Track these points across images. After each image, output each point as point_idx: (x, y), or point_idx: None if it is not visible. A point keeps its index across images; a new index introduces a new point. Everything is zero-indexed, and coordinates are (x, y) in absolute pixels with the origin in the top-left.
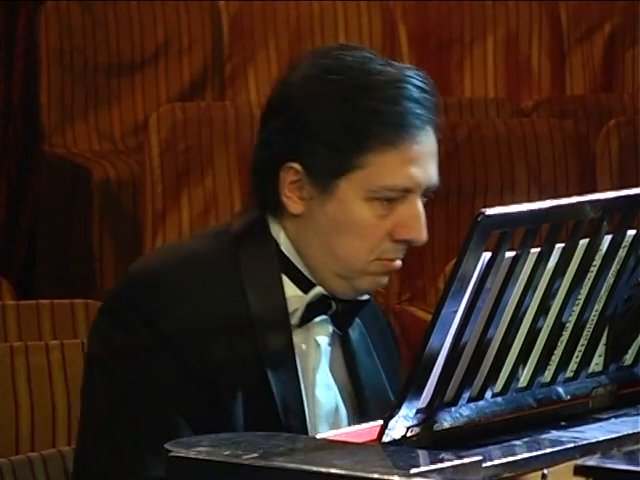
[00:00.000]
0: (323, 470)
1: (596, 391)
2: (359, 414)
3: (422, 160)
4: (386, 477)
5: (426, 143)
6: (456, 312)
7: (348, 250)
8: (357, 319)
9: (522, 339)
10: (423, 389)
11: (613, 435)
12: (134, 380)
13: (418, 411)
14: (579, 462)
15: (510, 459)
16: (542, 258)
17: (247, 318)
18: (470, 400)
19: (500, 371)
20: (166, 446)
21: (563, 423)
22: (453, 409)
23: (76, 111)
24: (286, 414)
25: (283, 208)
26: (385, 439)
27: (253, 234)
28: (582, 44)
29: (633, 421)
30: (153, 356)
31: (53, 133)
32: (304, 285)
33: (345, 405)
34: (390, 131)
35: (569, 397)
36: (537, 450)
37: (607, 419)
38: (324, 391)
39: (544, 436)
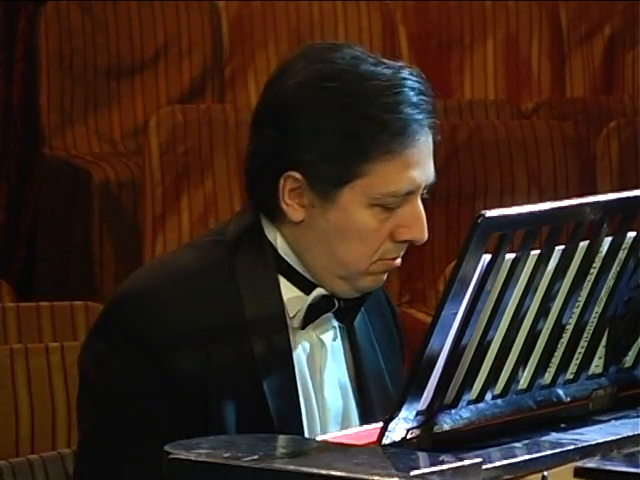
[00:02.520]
0: (323, 472)
1: (596, 393)
2: (363, 409)
3: (422, 162)
4: (386, 479)
5: (425, 144)
6: (456, 314)
7: (352, 255)
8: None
9: (522, 341)
10: (423, 391)
11: (613, 437)
12: (123, 404)
13: (418, 413)
14: (579, 464)
15: (510, 461)
16: (542, 260)
17: (242, 324)
18: (470, 402)
19: (500, 373)
20: (166, 448)
21: (563, 425)
22: (453, 411)
23: (76, 113)
24: (280, 423)
25: (282, 214)
26: (385, 441)
27: (248, 239)
28: (582, 46)
29: (633, 423)
30: (141, 378)
31: (53, 135)
32: (304, 286)
33: (354, 402)
34: (391, 140)
35: (569, 399)
36: (537, 452)
37: (607, 421)
38: (332, 391)
39: (544, 438)
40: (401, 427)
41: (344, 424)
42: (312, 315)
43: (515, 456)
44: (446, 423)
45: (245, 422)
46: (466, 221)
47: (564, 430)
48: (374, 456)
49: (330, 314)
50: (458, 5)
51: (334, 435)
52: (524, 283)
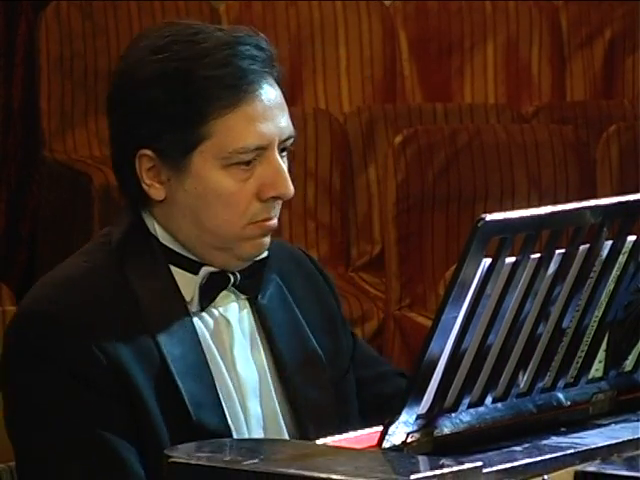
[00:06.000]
0: (324, 476)
1: (596, 397)
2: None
3: (268, 114)
4: None
5: (268, 97)
6: (456, 318)
7: (218, 221)
8: (274, 275)
9: (522, 345)
10: (423, 395)
11: (613, 441)
12: (53, 421)
13: (418, 417)
14: (579, 468)
15: (510, 465)
16: (542, 264)
17: (142, 319)
18: (470, 406)
19: (500, 377)
20: (166, 452)
21: (563, 429)
22: (453, 415)
23: (76, 117)
24: (196, 406)
25: (148, 197)
26: (385, 445)
27: (131, 236)
28: (582, 50)
29: (633, 427)
30: (60, 391)
31: (53, 139)
32: (194, 269)
33: (269, 374)
34: (226, 94)
35: (569, 403)
36: (537, 456)
37: (607, 425)
38: (245, 365)
39: (544, 442)
40: (401, 431)
41: (262, 397)
42: (208, 295)
43: (515, 460)
44: (446, 427)
45: (167, 412)
46: (466, 225)
47: (564, 434)
48: (374, 460)
49: (232, 290)
50: (458, 9)
51: (334, 438)
52: (524, 287)
